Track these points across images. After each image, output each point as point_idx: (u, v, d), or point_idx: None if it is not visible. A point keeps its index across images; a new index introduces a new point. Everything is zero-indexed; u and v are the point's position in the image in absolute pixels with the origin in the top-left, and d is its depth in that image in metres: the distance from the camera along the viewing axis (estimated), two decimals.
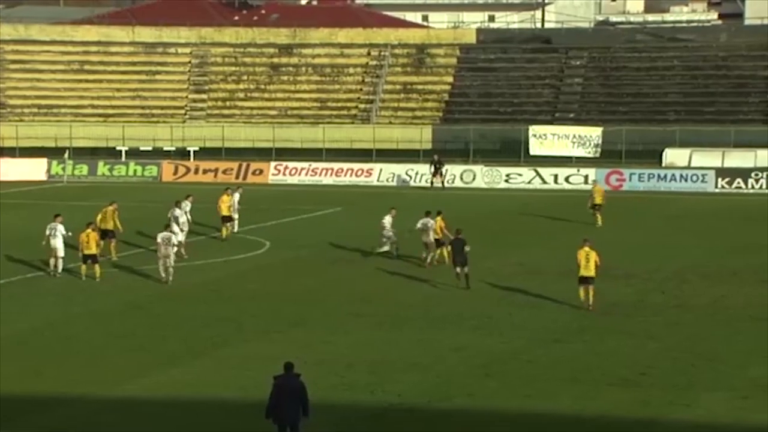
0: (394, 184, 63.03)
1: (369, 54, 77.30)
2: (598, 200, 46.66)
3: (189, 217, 41.24)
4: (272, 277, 36.52)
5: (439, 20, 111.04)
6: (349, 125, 72.24)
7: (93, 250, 34.76)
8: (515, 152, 66.61)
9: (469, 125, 69.88)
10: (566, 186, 61.87)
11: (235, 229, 43.64)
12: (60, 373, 25.77)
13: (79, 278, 35.40)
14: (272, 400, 20.08)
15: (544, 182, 62.61)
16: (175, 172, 65.87)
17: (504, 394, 24.38)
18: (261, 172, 65.05)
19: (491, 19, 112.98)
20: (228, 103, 74.84)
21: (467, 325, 30.07)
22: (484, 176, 63.43)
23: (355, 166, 64.91)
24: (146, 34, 77.91)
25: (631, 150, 66.02)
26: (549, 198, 57.48)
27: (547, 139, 67.37)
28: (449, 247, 35.65)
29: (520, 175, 63.17)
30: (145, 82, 75.78)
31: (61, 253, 35.97)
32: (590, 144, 66.65)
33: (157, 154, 68.72)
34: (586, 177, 62.19)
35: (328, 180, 64.14)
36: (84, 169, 66.28)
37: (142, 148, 69.23)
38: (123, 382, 25.11)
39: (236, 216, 44.00)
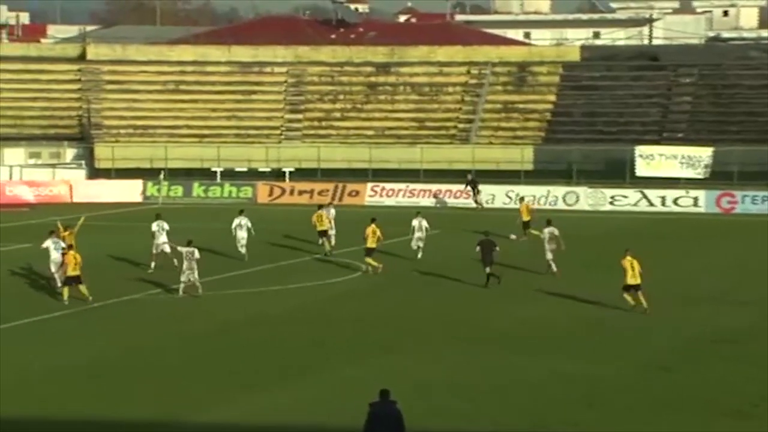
0: (433, 204, 62.58)
1: (469, 72, 77.13)
2: (525, 217, 48.04)
3: (253, 232, 43.31)
4: (367, 301, 36.55)
5: (542, 37, 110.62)
6: (448, 145, 72.08)
7: (77, 271, 35.59)
8: (620, 173, 65.79)
9: (572, 145, 69.23)
10: (674, 209, 60.93)
11: (332, 243, 44.81)
12: (149, 397, 25.88)
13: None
14: (368, 428, 19.84)
15: (651, 204, 61.73)
16: (270, 194, 66.03)
17: (607, 425, 23.92)
18: (357, 193, 65.09)
19: (596, 35, 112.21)
20: (324, 123, 75.13)
21: (569, 351, 29.64)
22: (587, 198, 62.76)
23: (454, 187, 64.69)
24: (242, 53, 78.64)
25: (744, 171, 64.69)
26: (656, 221, 56.67)
27: (654, 159, 66.47)
28: (478, 248, 37.74)
29: (625, 197, 62.37)
30: (240, 102, 76.31)
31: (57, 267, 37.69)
32: (700, 165, 65.59)
33: (252, 175, 69.23)
34: (696, 199, 61.20)
35: (426, 201, 63.97)
36: (179, 190, 66.85)
37: (237, 169, 69.78)
38: (212, 407, 25.10)
39: (333, 231, 45.54)
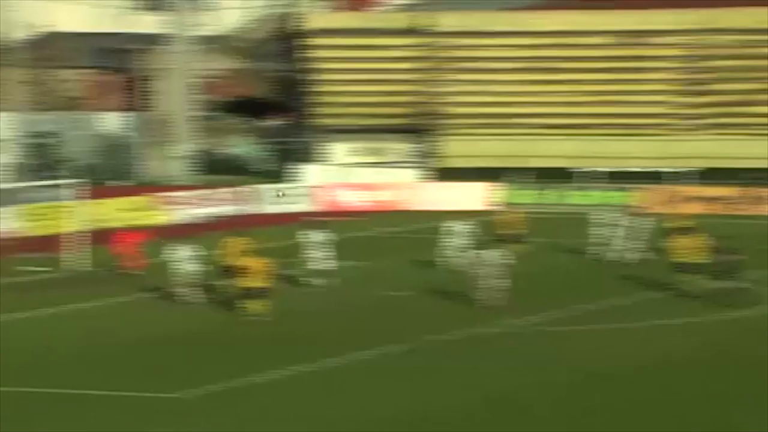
0: None
1: None
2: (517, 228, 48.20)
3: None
4: None
5: None
6: None
7: (259, 282, 37.45)
8: None
9: None
10: None
11: None
12: None
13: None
14: None
15: None
16: (669, 200, 64.59)
17: None
18: None
19: None
20: (735, 110, 71.56)
21: None
22: None
23: None
24: (625, 19, 75.85)
25: None
26: None
27: None
28: None
29: None
30: (622, 83, 74.36)
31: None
32: None
33: (638, 176, 68.52)
34: None
35: None
36: (552, 195, 67.34)
37: (617, 170, 69.10)
38: None
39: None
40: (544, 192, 67.33)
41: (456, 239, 46.10)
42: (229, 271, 40.00)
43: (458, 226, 46.50)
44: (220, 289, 40.25)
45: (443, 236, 46.77)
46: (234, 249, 41.06)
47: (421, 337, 35.01)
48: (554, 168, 69.69)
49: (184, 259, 40.11)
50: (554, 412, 27.84)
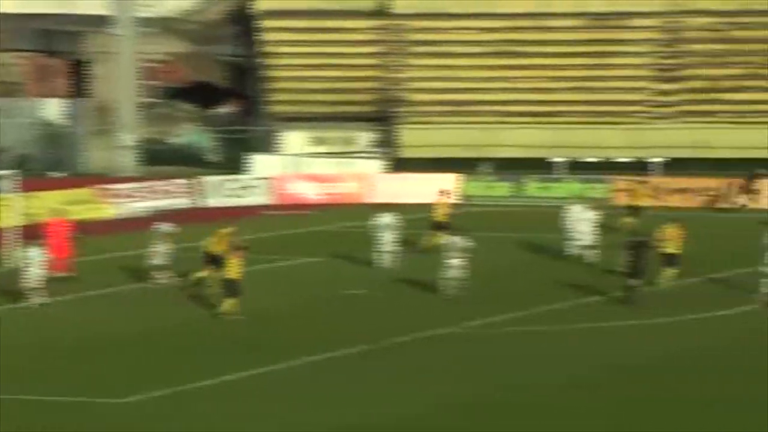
0: None
1: None
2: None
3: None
4: None
5: None
6: None
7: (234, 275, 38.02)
8: None
9: None
10: None
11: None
12: None
13: None
14: None
15: None
16: (633, 193, 62.63)
17: None
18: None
19: None
20: (710, 96, 73.11)
21: None
22: None
23: None
24: (596, 1, 76.45)
25: None
26: None
27: None
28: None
29: None
30: (592, 68, 75.00)
31: None
32: None
33: (607, 167, 69.19)
34: None
35: None
36: (504, 188, 67.33)
37: (586, 160, 70.05)
38: None
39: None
40: (506, 183, 67.37)
41: (387, 233, 46.61)
42: (214, 261, 40.65)
43: (387, 219, 46.92)
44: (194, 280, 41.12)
45: (376, 231, 46.82)
46: (221, 239, 41.34)
47: (377, 339, 35.02)
48: (521, 158, 69.83)
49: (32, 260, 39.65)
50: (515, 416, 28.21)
